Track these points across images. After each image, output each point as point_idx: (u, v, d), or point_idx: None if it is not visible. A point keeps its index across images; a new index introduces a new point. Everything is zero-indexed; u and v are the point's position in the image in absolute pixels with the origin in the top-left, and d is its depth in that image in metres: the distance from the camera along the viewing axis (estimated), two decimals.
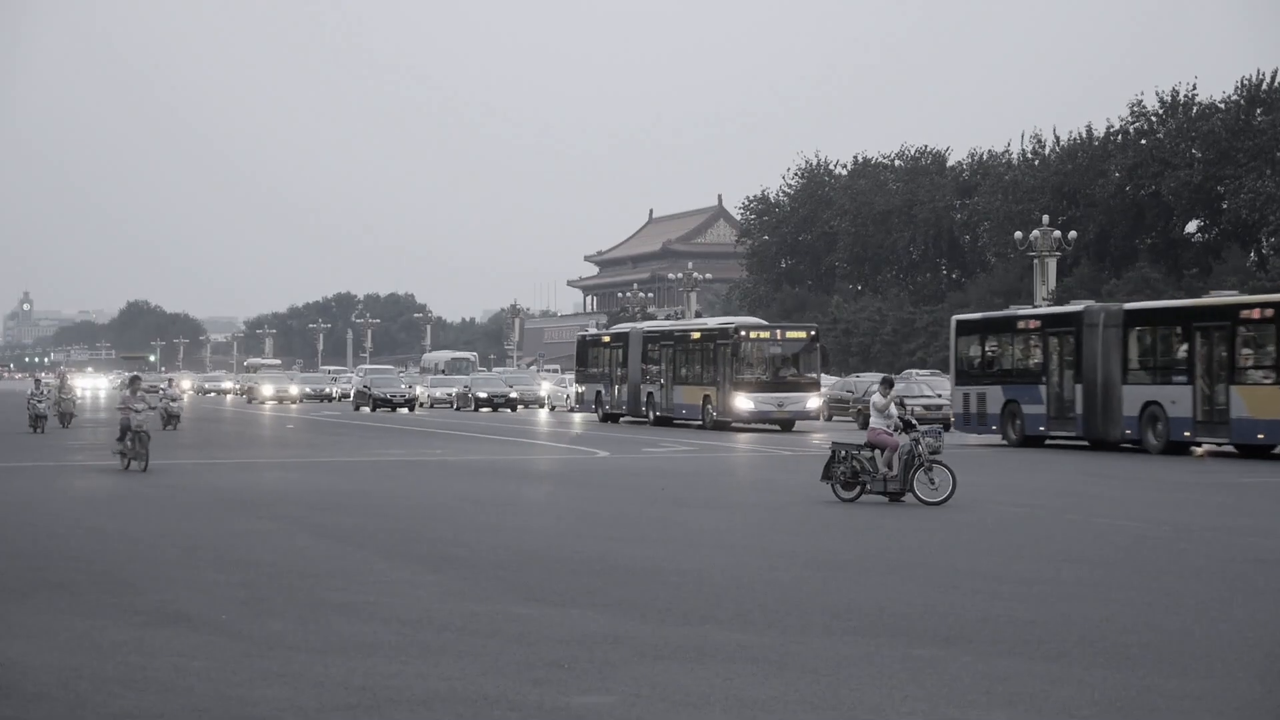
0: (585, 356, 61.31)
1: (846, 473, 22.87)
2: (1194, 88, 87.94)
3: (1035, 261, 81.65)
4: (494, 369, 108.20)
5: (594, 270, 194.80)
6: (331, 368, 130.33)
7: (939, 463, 22.47)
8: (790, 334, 50.39)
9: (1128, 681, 9.84)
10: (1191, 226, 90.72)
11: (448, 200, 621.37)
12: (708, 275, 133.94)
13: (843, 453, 23.05)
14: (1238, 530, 19.36)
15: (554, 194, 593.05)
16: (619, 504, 22.70)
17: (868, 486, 22.77)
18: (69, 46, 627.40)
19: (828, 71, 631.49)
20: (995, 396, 40.62)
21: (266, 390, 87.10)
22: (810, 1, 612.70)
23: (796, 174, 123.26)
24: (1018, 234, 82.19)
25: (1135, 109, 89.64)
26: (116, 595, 13.30)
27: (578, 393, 62.20)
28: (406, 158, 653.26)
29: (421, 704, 9.23)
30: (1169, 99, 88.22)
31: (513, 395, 73.30)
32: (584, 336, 65.02)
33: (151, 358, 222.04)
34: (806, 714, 9.01)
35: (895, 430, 22.77)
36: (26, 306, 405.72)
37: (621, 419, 56.12)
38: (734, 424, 48.63)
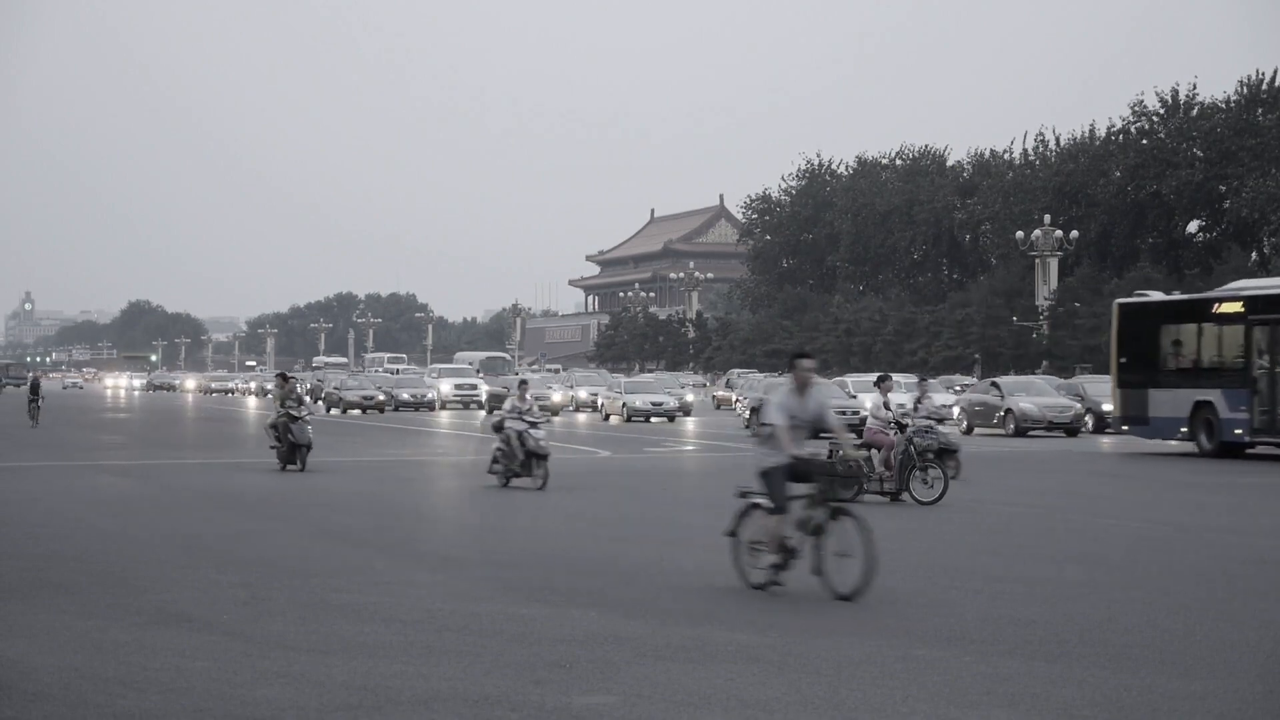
0: (1153, 342, 36.73)
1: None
2: (1194, 87, 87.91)
3: (1037, 261, 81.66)
4: None
5: (595, 270, 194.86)
6: (402, 366, 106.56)
7: (933, 463, 22.50)
8: None
9: (1128, 682, 9.83)
10: (1193, 226, 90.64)
11: (449, 200, 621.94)
12: (709, 275, 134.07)
13: (841, 453, 23.03)
14: (1239, 530, 19.36)
15: (555, 194, 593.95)
16: (621, 504, 22.68)
17: (865, 486, 22.77)
18: (72, 44, 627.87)
19: (829, 71, 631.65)
20: None
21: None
22: (812, 1, 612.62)
23: (798, 174, 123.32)
24: (1019, 234, 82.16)
25: (1136, 109, 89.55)
26: (117, 595, 13.29)
27: (1119, 400, 37.50)
28: (408, 157, 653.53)
29: (422, 704, 9.22)
30: (1170, 99, 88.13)
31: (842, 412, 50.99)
32: (1142, 305, 38.78)
33: (153, 357, 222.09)
34: (808, 714, 9.01)
35: (890, 429, 22.79)
36: (28, 306, 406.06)
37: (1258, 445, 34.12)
38: None
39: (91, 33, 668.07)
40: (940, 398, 48.13)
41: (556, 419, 58.76)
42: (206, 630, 11.62)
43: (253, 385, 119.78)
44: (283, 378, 30.39)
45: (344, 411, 64.94)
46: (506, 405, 25.91)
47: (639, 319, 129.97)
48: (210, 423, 59.01)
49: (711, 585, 13.99)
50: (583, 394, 67.84)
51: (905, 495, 22.56)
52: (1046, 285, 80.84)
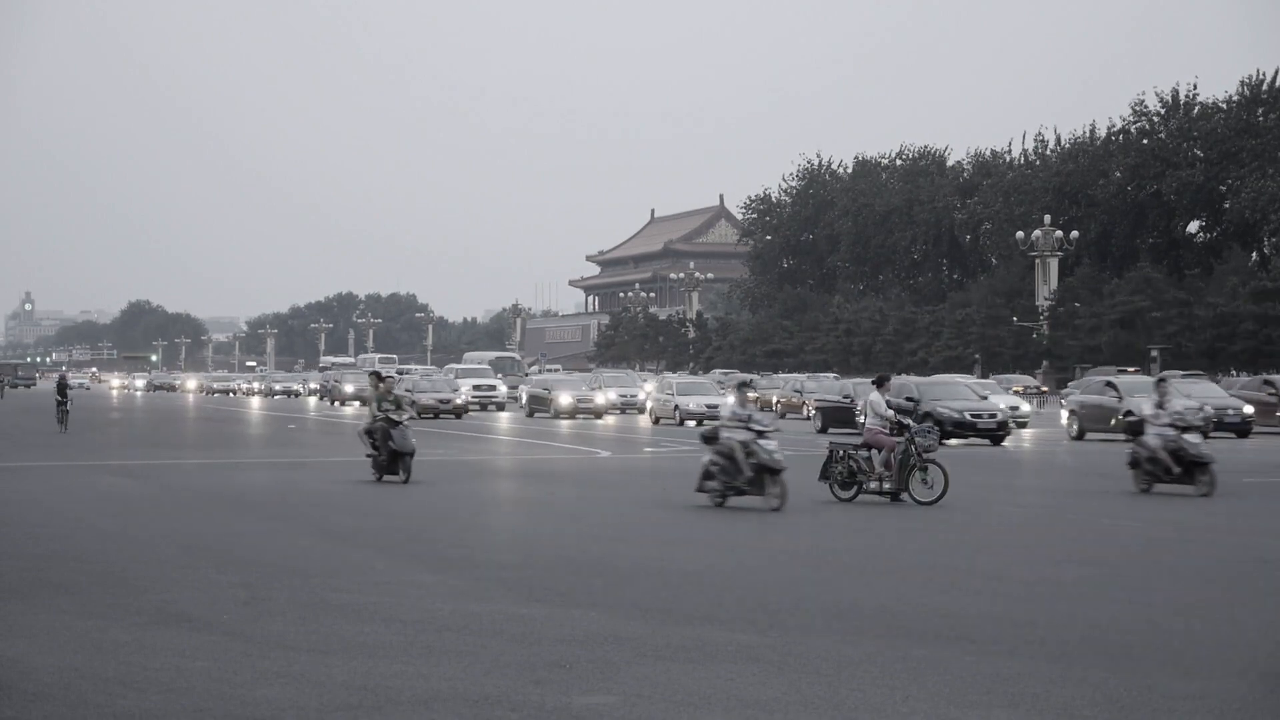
0: None
1: (844, 472, 22.88)
2: (1195, 87, 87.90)
3: (1037, 261, 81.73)
4: None
5: (595, 270, 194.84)
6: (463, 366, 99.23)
7: (933, 462, 22.51)
8: None
9: (1128, 681, 9.83)
10: (1193, 226, 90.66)
11: (450, 200, 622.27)
12: (709, 275, 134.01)
13: (840, 452, 23.07)
14: (1239, 530, 19.35)
15: (556, 194, 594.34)
16: (620, 504, 22.67)
17: (865, 486, 22.79)
18: (72, 44, 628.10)
19: (829, 71, 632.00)
20: None
21: (564, 401, 59.29)
22: (812, 1, 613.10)
23: (797, 175, 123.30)
24: (1019, 234, 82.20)
25: (1137, 109, 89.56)
26: (117, 595, 13.29)
27: None
28: (408, 157, 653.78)
29: (422, 704, 9.23)
30: (1170, 99, 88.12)
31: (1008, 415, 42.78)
32: None
33: (154, 357, 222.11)
34: (807, 714, 9.01)
35: (889, 429, 22.80)
36: (28, 306, 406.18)
37: None
38: None
39: (91, 33, 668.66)
40: (1183, 401, 32.89)
41: (599, 421, 55.58)
42: (206, 630, 11.62)
43: (257, 386, 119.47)
44: (377, 376, 27.39)
45: (416, 416, 59.45)
46: (724, 411, 22.79)
47: (639, 319, 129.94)
48: (212, 423, 59.08)
49: (711, 585, 13.99)
50: (613, 395, 63.25)
51: (905, 495, 22.56)
52: (1046, 285, 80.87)
